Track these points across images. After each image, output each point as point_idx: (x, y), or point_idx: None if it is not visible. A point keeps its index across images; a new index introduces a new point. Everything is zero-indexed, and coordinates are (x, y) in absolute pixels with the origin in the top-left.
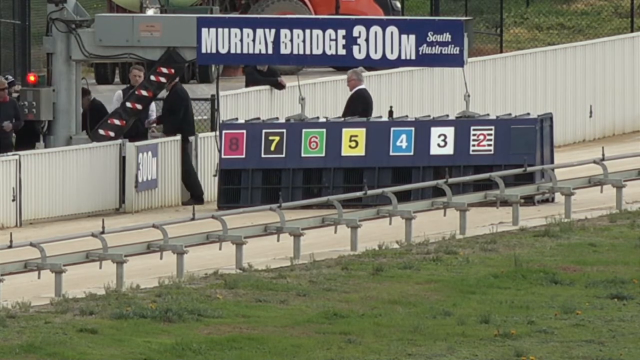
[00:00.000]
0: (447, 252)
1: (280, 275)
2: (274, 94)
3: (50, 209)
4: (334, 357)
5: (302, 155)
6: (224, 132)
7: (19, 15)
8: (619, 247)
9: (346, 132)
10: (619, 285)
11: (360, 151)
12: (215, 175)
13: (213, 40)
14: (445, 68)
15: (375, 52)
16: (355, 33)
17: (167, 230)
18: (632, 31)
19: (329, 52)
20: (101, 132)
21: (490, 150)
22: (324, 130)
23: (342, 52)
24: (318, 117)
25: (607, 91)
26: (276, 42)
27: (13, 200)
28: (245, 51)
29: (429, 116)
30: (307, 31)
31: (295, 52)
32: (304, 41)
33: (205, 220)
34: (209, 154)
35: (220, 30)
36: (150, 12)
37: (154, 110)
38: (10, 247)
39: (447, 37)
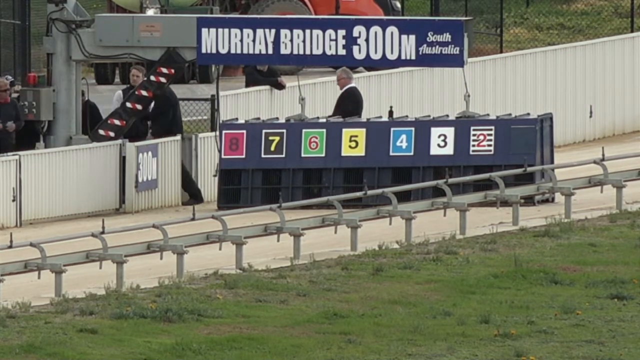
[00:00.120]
0: (447, 252)
1: (280, 275)
2: (274, 94)
3: (50, 209)
4: (334, 357)
5: (302, 155)
6: (224, 132)
7: (19, 15)
8: (619, 247)
9: (346, 132)
10: (619, 285)
11: (360, 151)
12: (215, 175)
13: (213, 41)
14: (445, 68)
15: (375, 52)
16: (355, 33)
17: (167, 230)
18: (632, 31)
19: (329, 52)
20: (101, 132)
21: (490, 151)
22: (324, 130)
23: (342, 52)
24: (318, 117)
25: (607, 91)
26: (276, 42)
27: (13, 200)
28: (245, 51)
29: (429, 116)
30: (307, 31)
31: (295, 52)
32: (304, 41)
33: (205, 220)
34: (209, 154)
35: (220, 30)
36: (150, 12)
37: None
38: (10, 247)
39: (447, 37)
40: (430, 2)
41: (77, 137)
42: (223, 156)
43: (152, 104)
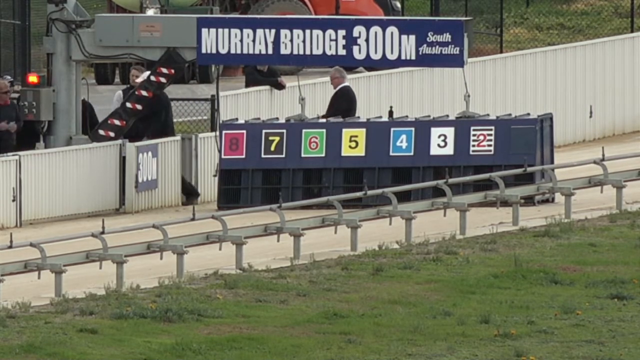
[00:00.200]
0: (447, 252)
1: (280, 275)
2: (274, 94)
3: (50, 209)
4: (334, 357)
5: (302, 155)
6: (224, 132)
7: (19, 15)
8: (619, 247)
9: (346, 133)
10: (619, 285)
11: (360, 151)
12: (215, 175)
13: (213, 41)
14: (445, 68)
15: (375, 52)
16: (355, 33)
17: (167, 230)
18: (632, 31)
19: (329, 52)
20: (101, 132)
21: (490, 151)
22: (324, 130)
23: (342, 52)
24: (318, 117)
25: (607, 91)
26: (276, 42)
27: (13, 200)
28: (245, 51)
29: (429, 116)
30: (307, 31)
31: (295, 52)
32: (304, 41)
33: (205, 220)
34: (209, 154)
35: (220, 30)
36: (150, 12)
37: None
38: (10, 247)
39: (447, 37)
40: (430, 2)
41: (77, 137)
42: (223, 156)
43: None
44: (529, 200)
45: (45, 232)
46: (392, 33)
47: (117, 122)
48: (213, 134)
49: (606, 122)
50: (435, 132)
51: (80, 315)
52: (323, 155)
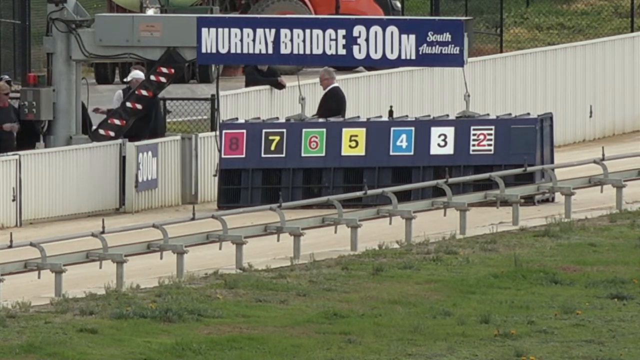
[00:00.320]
0: (447, 252)
1: (280, 275)
2: (274, 94)
3: (50, 209)
4: (334, 357)
5: (302, 155)
6: (224, 132)
7: (19, 15)
8: (619, 247)
9: (346, 132)
10: (619, 285)
11: (360, 151)
12: (215, 175)
13: (213, 40)
14: (445, 68)
15: (375, 52)
16: (355, 33)
17: (167, 230)
18: (632, 31)
19: (329, 52)
20: (101, 132)
21: (490, 150)
22: (324, 130)
23: (342, 52)
24: (317, 117)
25: (607, 91)
26: (276, 42)
27: (13, 200)
28: (245, 51)
29: (429, 116)
30: (307, 31)
31: (295, 52)
32: (304, 41)
33: (205, 220)
34: (209, 154)
35: (220, 30)
36: (150, 12)
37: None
38: (10, 247)
39: (447, 37)
40: (430, 2)
41: (77, 137)
42: (223, 156)
43: None
44: (529, 200)
45: (45, 232)
46: (392, 33)
47: (117, 121)
48: (213, 133)
49: (606, 122)
50: (435, 131)
51: (80, 315)
52: (323, 154)
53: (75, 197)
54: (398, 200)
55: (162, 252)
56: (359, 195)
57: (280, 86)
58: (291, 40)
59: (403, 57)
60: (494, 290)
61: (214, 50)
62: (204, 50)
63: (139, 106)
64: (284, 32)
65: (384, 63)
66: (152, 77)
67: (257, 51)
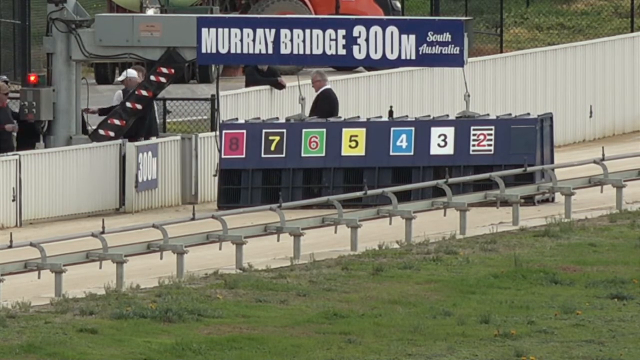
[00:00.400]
0: (447, 252)
1: (280, 275)
2: (274, 94)
3: (50, 209)
4: (334, 357)
5: (302, 155)
6: (224, 132)
7: (19, 15)
8: (619, 247)
9: (346, 132)
10: (619, 285)
11: (360, 151)
12: (215, 175)
13: (213, 40)
14: (445, 68)
15: (375, 52)
16: (355, 33)
17: (167, 230)
18: (632, 31)
19: (329, 52)
20: (101, 132)
21: (490, 150)
22: (324, 130)
23: (342, 52)
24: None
25: (607, 91)
26: (276, 42)
27: (13, 200)
28: (245, 51)
29: (429, 116)
30: (307, 31)
31: (295, 52)
32: (304, 41)
33: (205, 220)
34: (209, 154)
35: (220, 30)
36: (150, 12)
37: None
38: (10, 247)
39: (447, 37)
40: (430, 2)
41: (77, 137)
42: (223, 156)
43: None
44: (529, 200)
45: (45, 232)
46: (392, 33)
47: (117, 121)
48: (213, 133)
49: (606, 122)
50: (435, 131)
51: (80, 315)
52: (323, 155)
53: (75, 197)
54: (398, 200)
55: (162, 252)
56: (359, 195)
57: (280, 86)
58: (291, 40)
59: (403, 57)
60: (494, 290)
61: (214, 51)
62: (204, 51)
63: (139, 106)
64: (284, 32)
65: (384, 63)
66: (152, 77)
67: (257, 51)
